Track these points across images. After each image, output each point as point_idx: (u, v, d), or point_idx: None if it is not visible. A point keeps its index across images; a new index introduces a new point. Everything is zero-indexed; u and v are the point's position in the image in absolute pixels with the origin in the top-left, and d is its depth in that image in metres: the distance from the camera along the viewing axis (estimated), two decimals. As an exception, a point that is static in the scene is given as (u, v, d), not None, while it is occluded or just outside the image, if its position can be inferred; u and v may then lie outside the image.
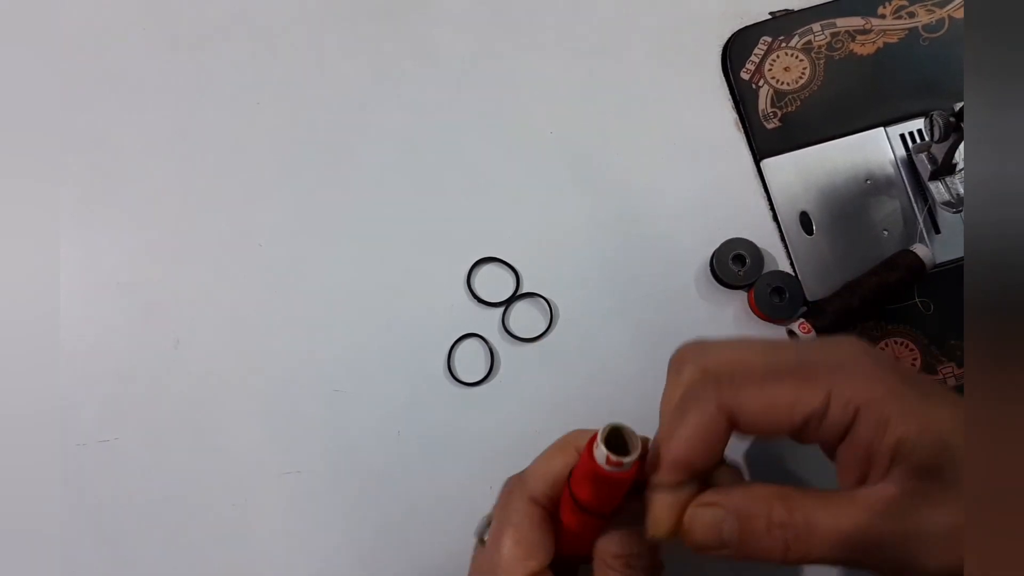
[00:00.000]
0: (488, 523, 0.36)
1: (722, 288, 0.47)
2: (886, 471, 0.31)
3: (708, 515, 0.31)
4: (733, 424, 0.31)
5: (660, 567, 0.35)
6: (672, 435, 0.31)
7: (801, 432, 0.31)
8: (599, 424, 0.45)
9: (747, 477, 0.33)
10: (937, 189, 0.47)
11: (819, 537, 0.30)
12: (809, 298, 0.47)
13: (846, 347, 0.33)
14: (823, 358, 0.32)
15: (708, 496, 0.31)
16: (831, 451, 0.33)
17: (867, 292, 0.45)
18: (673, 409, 0.32)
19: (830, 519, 0.30)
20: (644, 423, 0.34)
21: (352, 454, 0.46)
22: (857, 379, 0.31)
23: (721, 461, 0.33)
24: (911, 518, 0.30)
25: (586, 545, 0.34)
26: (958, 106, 0.43)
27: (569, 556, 0.35)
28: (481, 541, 0.36)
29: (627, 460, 0.30)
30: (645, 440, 0.32)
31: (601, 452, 0.30)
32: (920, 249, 0.46)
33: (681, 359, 0.34)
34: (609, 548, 0.33)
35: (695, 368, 0.33)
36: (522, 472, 0.36)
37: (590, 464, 0.31)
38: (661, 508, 0.31)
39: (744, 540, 0.31)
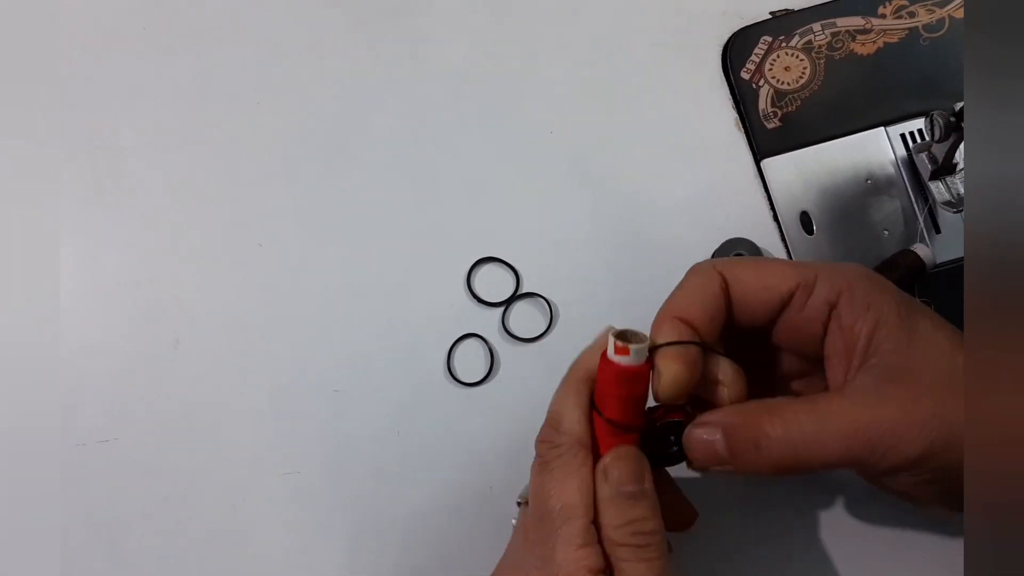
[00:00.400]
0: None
1: (722, 288, 0.47)
2: (864, 355, 0.34)
3: (702, 433, 0.34)
4: (727, 290, 0.35)
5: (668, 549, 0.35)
6: (675, 295, 0.35)
7: (789, 307, 0.35)
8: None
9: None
10: (937, 189, 0.47)
11: (804, 451, 0.33)
12: (809, 298, 0.47)
13: (842, 263, 0.36)
14: (817, 263, 0.37)
15: (702, 416, 0.34)
16: (817, 350, 0.35)
17: (867, 292, 0.45)
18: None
19: (813, 430, 0.33)
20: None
21: (352, 454, 0.46)
22: (845, 271, 0.35)
23: (722, 353, 0.35)
24: (882, 412, 0.32)
25: None
26: (958, 106, 0.43)
27: None
28: (525, 503, 0.37)
29: (635, 346, 0.32)
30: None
31: (611, 343, 0.33)
32: (920, 249, 0.46)
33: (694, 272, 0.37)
34: (610, 519, 0.33)
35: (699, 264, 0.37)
36: (558, 420, 0.36)
37: (605, 367, 0.33)
38: (663, 362, 0.33)
39: (735, 455, 0.33)
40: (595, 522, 0.34)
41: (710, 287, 0.35)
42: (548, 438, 0.36)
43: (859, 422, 0.32)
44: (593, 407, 0.35)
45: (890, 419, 0.32)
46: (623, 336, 0.33)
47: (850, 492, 0.43)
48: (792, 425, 0.33)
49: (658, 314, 0.35)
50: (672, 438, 0.35)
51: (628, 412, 0.34)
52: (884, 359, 0.33)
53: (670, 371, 0.33)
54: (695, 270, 0.36)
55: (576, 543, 0.33)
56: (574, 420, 0.35)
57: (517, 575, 0.35)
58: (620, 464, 0.33)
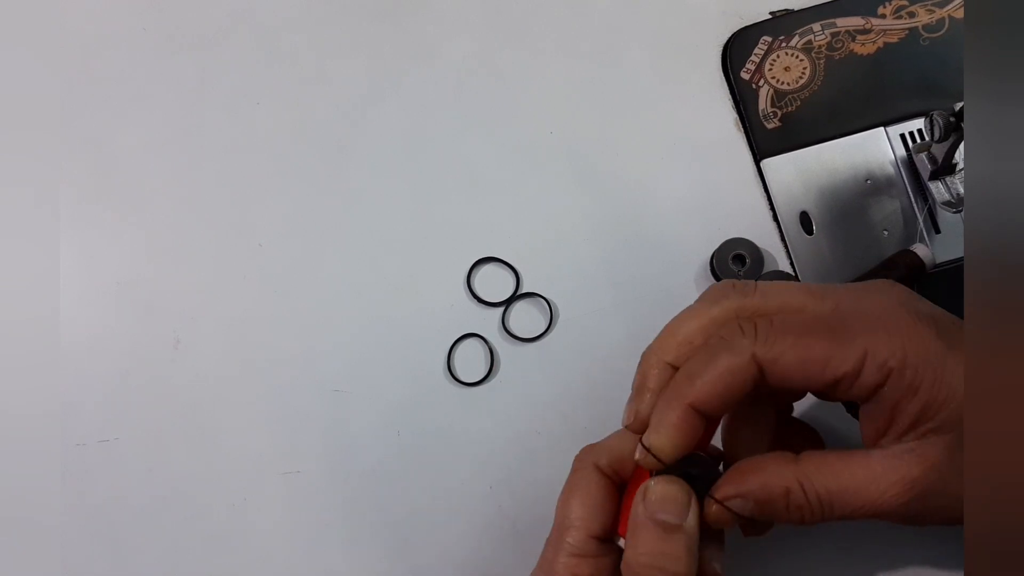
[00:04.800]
0: None
1: (722, 288, 0.47)
2: (904, 432, 0.32)
3: (735, 507, 0.32)
4: (762, 376, 0.32)
5: None
6: (698, 375, 0.32)
7: (830, 390, 0.32)
8: (602, 425, 0.45)
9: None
10: (937, 189, 0.47)
11: (830, 510, 0.32)
12: (809, 298, 0.47)
13: (884, 298, 0.33)
14: (861, 308, 0.33)
15: (726, 489, 0.32)
16: (854, 406, 0.34)
17: (867, 292, 0.45)
18: (703, 347, 0.33)
19: (841, 493, 0.32)
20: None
21: (352, 454, 0.46)
22: (894, 339, 0.31)
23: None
24: (918, 486, 0.31)
25: None
26: (958, 106, 0.43)
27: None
28: None
29: None
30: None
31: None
32: (920, 249, 0.46)
33: (719, 294, 0.35)
34: (637, 544, 0.32)
35: (730, 306, 0.34)
36: (594, 444, 0.36)
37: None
38: (661, 425, 0.32)
39: (770, 519, 0.33)
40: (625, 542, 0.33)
41: (740, 380, 0.32)
42: (579, 456, 0.35)
43: (883, 501, 0.32)
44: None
45: (919, 500, 0.32)
46: None
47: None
48: (821, 494, 0.32)
49: (670, 394, 0.32)
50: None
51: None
52: (926, 432, 0.32)
53: (664, 439, 0.32)
54: (729, 350, 0.32)
55: (571, 551, 0.33)
56: (606, 448, 0.35)
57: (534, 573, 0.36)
58: (662, 489, 0.32)
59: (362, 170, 0.49)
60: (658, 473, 0.33)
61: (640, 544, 0.32)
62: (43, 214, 0.45)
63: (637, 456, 0.33)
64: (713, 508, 0.32)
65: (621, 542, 0.34)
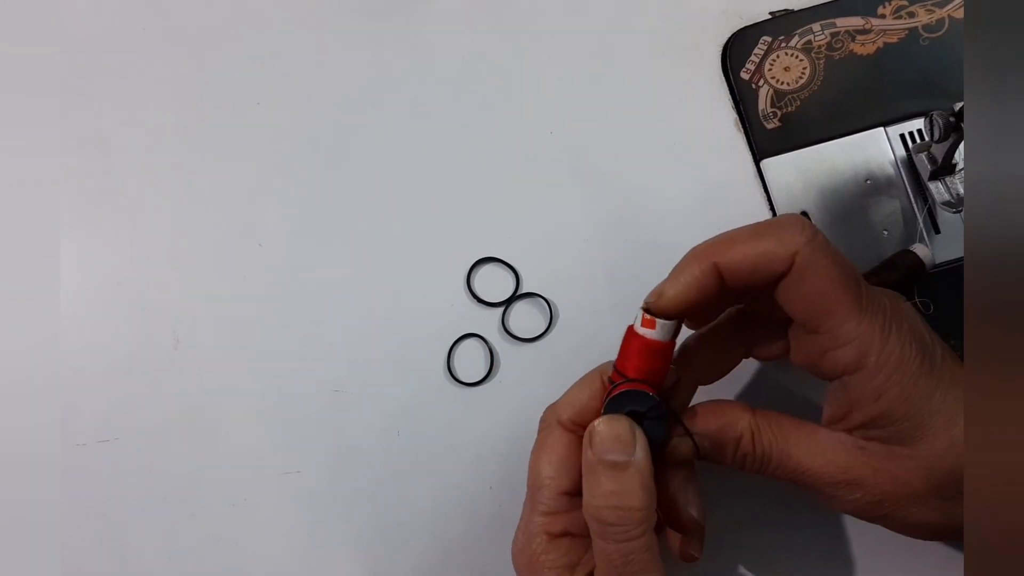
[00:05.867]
0: None
1: (722, 288, 0.47)
2: (854, 428, 0.34)
3: (687, 445, 0.35)
4: (722, 276, 0.34)
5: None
6: (737, 242, 0.34)
7: (812, 336, 0.34)
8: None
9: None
10: (937, 189, 0.47)
11: (768, 465, 0.35)
12: (809, 298, 0.47)
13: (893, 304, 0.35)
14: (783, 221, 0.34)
15: (691, 425, 0.35)
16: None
17: (867, 292, 0.45)
18: (753, 225, 0.35)
19: (780, 455, 0.34)
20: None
21: (352, 454, 0.46)
22: (883, 342, 0.33)
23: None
24: (850, 475, 0.33)
25: None
26: (958, 106, 0.43)
27: None
28: None
29: (662, 320, 0.34)
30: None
31: (639, 316, 0.34)
32: (920, 249, 0.46)
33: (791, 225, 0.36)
34: (588, 488, 0.33)
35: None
36: (555, 401, 0.37)
37: (630, 339, 0.35)
38: (672, 282, 0.34)
39: (715, 458, 0.36)
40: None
41: (774, 265, 0.33)
42: (543, 416, 0.38)
43: (818, 476, 0.34)
44: (609, 381, 0.35)
45: (850, 485, 0.34)
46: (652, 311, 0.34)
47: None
48: (767, 452, 0.35)
49: (701, 249, 0.34)
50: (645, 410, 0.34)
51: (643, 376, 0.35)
52: (871, 444, 0.34)
53: (675, 289, 0.34)
54: (778, 236, 0.33)
55: (543, 510, 0.35)
56: (565, 403, 0.36)
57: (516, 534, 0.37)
58: (606, 429, 0.33)
59: (362, 170, 0.49)
60: (605, 412, 0.34)
61: (594, 487, 0.32)
62: (43, 214, 0.45)
63: (645, 302, 0.35)
64: (680, 445, 0.35)
65: None
